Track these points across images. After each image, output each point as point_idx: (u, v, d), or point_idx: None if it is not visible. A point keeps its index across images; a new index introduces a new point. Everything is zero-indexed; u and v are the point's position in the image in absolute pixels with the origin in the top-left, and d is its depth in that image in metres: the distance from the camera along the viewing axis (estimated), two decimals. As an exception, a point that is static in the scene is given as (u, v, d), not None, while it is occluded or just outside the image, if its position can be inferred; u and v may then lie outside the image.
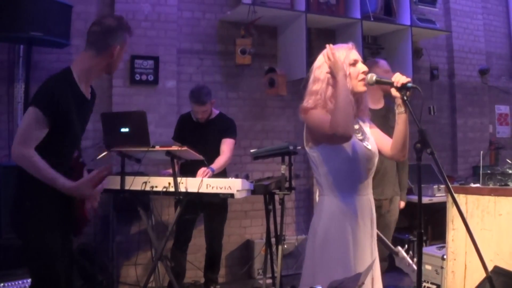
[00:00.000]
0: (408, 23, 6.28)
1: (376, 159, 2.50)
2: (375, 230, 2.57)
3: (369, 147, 2.48)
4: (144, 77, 5.34)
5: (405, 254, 3.55)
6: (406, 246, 3.65)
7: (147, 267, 5.11)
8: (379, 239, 3.70)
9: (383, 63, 4.15)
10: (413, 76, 6.25)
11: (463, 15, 7.43)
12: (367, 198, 2.51)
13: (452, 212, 4.07)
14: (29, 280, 3.04)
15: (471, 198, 4.19)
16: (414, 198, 4.64)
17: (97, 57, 2.76)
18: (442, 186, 5.68)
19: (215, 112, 4.83)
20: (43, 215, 2.68)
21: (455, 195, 4.28)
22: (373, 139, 2.54)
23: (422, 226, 2.19)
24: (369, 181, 2.52)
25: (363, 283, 1.58)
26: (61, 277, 2.71)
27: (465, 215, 4.21)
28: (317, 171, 2.50)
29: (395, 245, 3.75)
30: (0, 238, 4.11)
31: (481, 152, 5.35)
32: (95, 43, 2.75)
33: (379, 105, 4.09)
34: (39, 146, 2.59)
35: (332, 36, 6.36)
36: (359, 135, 2.51)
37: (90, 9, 5.24)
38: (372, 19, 6.04)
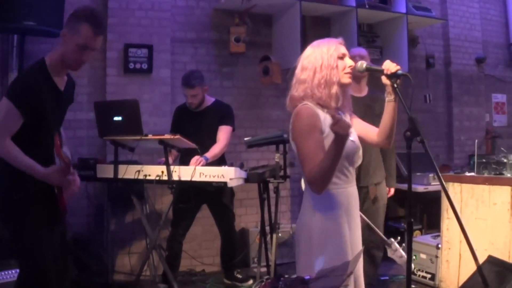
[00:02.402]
0: (404, 11, 6.23)
1: (361, 152, 2.47)
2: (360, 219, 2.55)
3: (353, 139, 2.43)
4: (138, 66, 5.31)
5: (397, 246, 3.55)
6: (399, 238, 3.62)
7: (141, 256, 5.10)
8: (371, 230, 3.70)
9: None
10: (409, 64, 6.22)
11: (459, 3, 7.38)
12: (354, 189, 2.49)
13: (447, 201, 4.08)
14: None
15: (466, 187, 4.19)
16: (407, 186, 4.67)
17: (59, 48, 2.77)
18: (438, 174, 5.67)
19: (210, 99, 4.77)
20: (29, 207, 2.71)
21: (449, 184, 4.30)
22: (354, 131, 2.49)
23: (411, 214, 2.17)
24: (354, 172, 2.50)
25: (351, 272, 1.57)
26: (51, 266, 2.72)
27: (459, 204, 4.22)
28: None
29: (390, 235, 3.75)
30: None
31: (476, 141, 5.34)
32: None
33: (363, 93, 4.10)
34: (17, 136, 2.63)
35: (327, 24, 6.33)
36: None
37: (83, -2, 5.20)
38: (367, 6, 6.00)
